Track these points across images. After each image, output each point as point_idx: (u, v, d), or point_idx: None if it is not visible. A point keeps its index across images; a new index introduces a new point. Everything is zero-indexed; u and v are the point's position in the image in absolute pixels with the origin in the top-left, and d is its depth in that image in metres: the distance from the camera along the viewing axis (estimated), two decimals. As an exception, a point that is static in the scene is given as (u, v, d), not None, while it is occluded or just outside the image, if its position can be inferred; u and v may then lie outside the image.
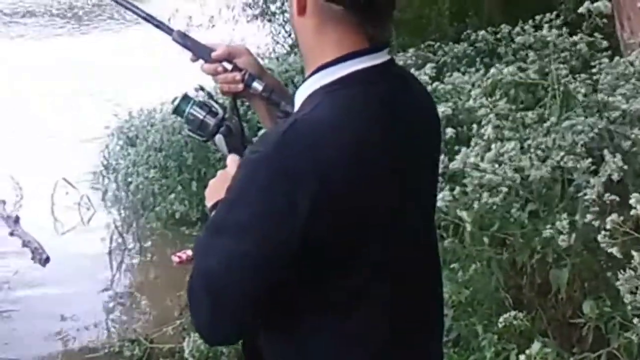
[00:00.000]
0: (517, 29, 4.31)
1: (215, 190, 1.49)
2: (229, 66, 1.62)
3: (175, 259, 5.28)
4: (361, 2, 1.32)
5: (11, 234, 5.75)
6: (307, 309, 1.37)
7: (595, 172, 2.87)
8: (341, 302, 1.36)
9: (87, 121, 8.19)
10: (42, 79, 9.78)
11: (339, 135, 1.29)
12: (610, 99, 3.21)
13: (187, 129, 1.72)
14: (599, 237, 2.53)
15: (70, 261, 5.40)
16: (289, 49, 8.16)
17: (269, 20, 8.78)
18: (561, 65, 3.48)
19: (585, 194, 2.74)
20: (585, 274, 2.94)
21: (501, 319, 2.82)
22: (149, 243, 5.89)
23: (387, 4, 1.37)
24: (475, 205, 2.97)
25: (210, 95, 1.70)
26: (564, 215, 2.77)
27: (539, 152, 3.03)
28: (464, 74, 4.40)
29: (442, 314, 1.61)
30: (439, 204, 2.93)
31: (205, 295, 1.32)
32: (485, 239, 3.05)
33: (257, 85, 1.61)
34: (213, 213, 1.44)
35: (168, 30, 1.68)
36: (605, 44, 3.84)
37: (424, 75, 4.14)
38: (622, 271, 2.48)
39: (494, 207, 2.96)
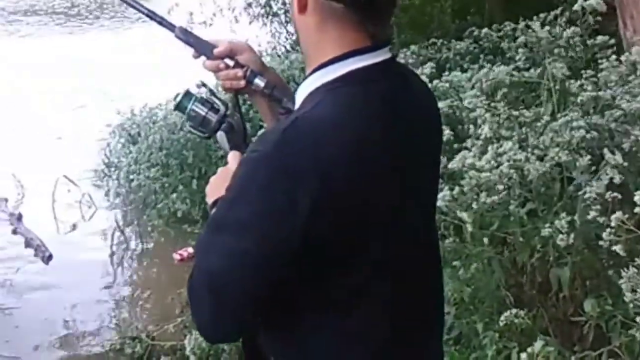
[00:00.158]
0: (521, 26, 4.31)
1: (216, 187, 1.49)
2: (231, 63, 1.62)
3: (176, 256, 5.33)
4: (362, 0, 1.32)
5: (14, 231, 5.77)
6: (308, 307, 1.37)
7: (595, 172, 2.87)
8: (342, 300, 1.36)
9: (87, 119, 8.20)
10: (42, 76, 9.78)
11: (340, 133, 1.29)
12: (611, 96, 3.21)
13: (188, 125, 1.72)
14: (604, 235, 2.53)
15: (72, 259, 5.42)
16: (290, 48, 8.17)
17: (271, 22, 8.79)
18: (557, 64, 3.48)
19: (585, 193, 2.74)
20: (586, 273, 2.94)
21: (502, 317, 2.82)
22: (151, 241, 5.89)
23: (388, 2, 1.37)
24: (474, 205, 2.97)
25: (212, 92, 1.70)
26: (563, 214, 2.77)
27: (536, 150, 3.03)
28: (466, 71, 4.40)
29: (442, 312, 1.61)
30: (439, 203, 2.93)
31: (206, 294, 1.32)
32: (485, 239, 3.05)
33: (259, 82, 1.61)
34: (214, 211, 1.44)
35: (170, 27, 1.68)
36: (600, 39, 3.83)
37: (421, 73, 4.14)
38: (625, 269, 2.48)
39: (493, 206, 2.96)
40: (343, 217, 1.28)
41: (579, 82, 3.47)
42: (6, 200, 6.39)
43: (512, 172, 2.93)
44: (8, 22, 15.26)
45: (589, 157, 2.89)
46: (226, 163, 1.60)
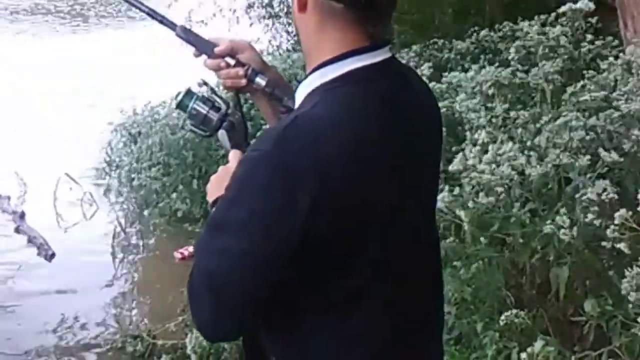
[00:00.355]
0: (520, 26, 4.31)
1: (217, 186, 1.49)
2: (232, 61, 1.63)
3: (177, 255, 5.34)
4: (361, 0, 1.32)
5: (17, 229, 5.78)
6: (308, 309, 1.38)
7: (594, 173, 2.88)
8: (342, 301, 1.36)
9: (88, 120, 8.21)
10: (43, 78, 9.77)
11: (339, 133, 1.29)
12: (605, 97, 3.21)
13: (189, 124, 1.72)
14: (608, 232, 2.53)
15: (73, 257, 5.42)
16: (291, 49, 8.18)
17: (273, 24, 8.80)
18: (548, 64, 3.48)
19: (584, 194, 2.74)
20: (586, 273, 2.94)
21: (503, 317, 2.82)
22: (152, 239, 5.89)
23: (388, 2, 1.37)
24: (471, 205, 2.97)
25: (213, 90, 1.70)
26: (564, 210, 2.77)
27: (532, 152, 3.03)
28: (466, 71, 4.40)
29: (442, 313, 1.61)
30: (439, 204, 2.93)
31: (206, 293, 1.32)
32: (483, 239, 3.05)
33: (260, 81, 1.62)
34: (213, 210, 1.44)
35: (171, 26, 1.68)
36: (589, 38, 3.82)
37: (421, 74, 4.15)
38: (629, 268, 2.48)
39: (492, 207, 2.96)
40: (342, 216, 1.28)
41: (580, 83, 3.47)
42: (8, 198, 6.40)
43: (513, 174, 2.92)
44: (11, 22, 15.29)
45: (588, 157, 2.89)
46: (227, 162, 1.60)
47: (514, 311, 2.83)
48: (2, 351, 4.23)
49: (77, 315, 4.67)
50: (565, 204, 2.89)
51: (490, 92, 3.67)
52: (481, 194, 2.95)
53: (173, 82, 6.55)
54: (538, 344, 2.67)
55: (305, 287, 1.34)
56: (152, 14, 1.70)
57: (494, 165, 2.95)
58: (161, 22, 1.69)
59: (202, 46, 1.65)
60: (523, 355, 2.67)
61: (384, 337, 1.40)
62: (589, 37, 3.99)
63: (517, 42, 3.88)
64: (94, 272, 5.29)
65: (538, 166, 2.90)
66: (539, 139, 3.10)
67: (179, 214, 5.86)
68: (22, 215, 6.00)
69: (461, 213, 3.02)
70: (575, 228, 2.69)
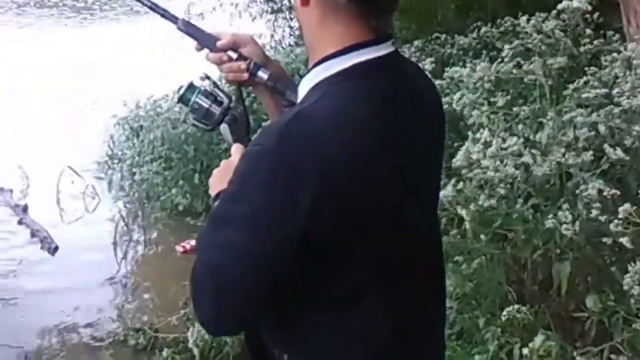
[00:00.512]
0: (520, 21, 4.30)
1: (219, 179, 1.49)
2: (234, 55, 1.62)
3: (179, 249, 5.30)
4: None
5: (20, 222, 5.79)
6: (309, 307, 1.37)
7: (597, 169, 2.87)
8: (343, 300, 1.36)
9: (87, 117, 8.21)
10: (43, 77, 9.77)
11: (341, 131, 1.28)
12: (606, 94, 3.20)
13: (191, 117, 1.71)
14: (612, 227, 2.52)
15: (75, 250, 5.43)
16: (293, 44, 8.17)
17: (275, 19, 8.79)
18: (550, 60, 3.47)
19: (585, 190, 2.74)
20: (588, 269, 2.94)
21: (505, 312, 2.82)
22: (154, 233, 5.90)
23: None
24: (473, 204, 2.97)
25: (215, 84, 1.70)
26: (566, 206, 2.76)
27: (533, 150, 3.02)
28: (470, 65, 4.38)
29: (444, 311, 1.61)
30: (441, 199, 2.93)
31: (207, 290, 1.32)
32: (483, 236, 3.05)
33: (262, 74, 1.61)
34: (215, 205, 1.43)
35: (173, 19, 1.68)
36: (588, 33, 3.81)
37: (423, 68, 4.13)
38: (632, 263, 2.48)
39: (494, 204, 2.96)
40: (343, 215, 1.28)
41: (583, 80, 3.46)
42: (11, 191, 6.41)
43: (517, 173, 2.92)
44: (19, 14, 15.33)
45: (591, 153, 2.88)
46: (229, 156, 1.59)
47: (516, 306, 2.83)
48: (6, 344, 4.24)
49: (79, 308, 4.68)
50: (568, 199, 2.89)
51: (487, 86, 3.65)
52: (482, 196, 2.94)
53: (173, 82, 6.58)
54: (538, 339, 2.68)
55: (306, 286, 1.34)
56: (154, 8, 1.69)
57: (498, 162, 2.93)
58: (163, 15, 1.68)
59: (204, 40, 1.65)
60: (525, 350, 2.68)
61: (385, 336, 1.40)
62: (590, 33, 3.97)
63: (517, 41, 3.87)
64: (96, 265, 5.29)
65: (543, 163, 2.89)
66: (540, 135, 3.09)
67: (181, 207, 5.87)
68: (25, 209, 6.01)
69: (462, 212, 3.01)
70: (577, 223, 2.68)
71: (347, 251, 1.32)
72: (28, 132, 7.83)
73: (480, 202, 2.93)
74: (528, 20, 3.75)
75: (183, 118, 6.21)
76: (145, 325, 4.27)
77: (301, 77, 1.41)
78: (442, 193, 2.93)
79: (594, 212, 2.65)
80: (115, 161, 7.07)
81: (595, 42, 3.91)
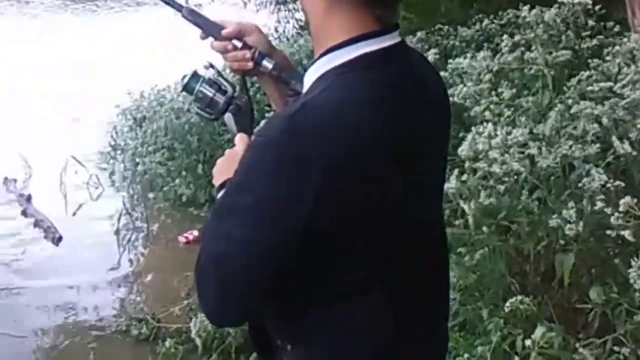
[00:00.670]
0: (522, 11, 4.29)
1: (224, 169, 1.48)
2: (239, 44, 1.61)
3: (182, 239, 5.37)
4: None
5: (24, 212, 5.80)
6: (312, 303, 1.38)
7: (603, 161, 2.86)
8: (345, 296, 1.36)
9: (88, 120, 8.22)
10: (43, 77, 9.76)
11: (345, 124, 1.27)
12: (609, 87, 3.19)
13: (195, 107, 1.70)
14: (612, 220, 2.52)
15: (78, 240, 5.44)
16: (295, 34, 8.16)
17: (278, 10, 8.78)
18: (552, 53, 3.46)
19: (589, 182, 2.73)
20: (591, 260, 2.93)
21: (507, 304, 2.82)
22: (157, 223, 5.91)
23: None
24: (476, 198, 2.96)
25: (219, 73, 1.69)
26: (572, 204, 2.75)
27: (538, 142, 3.01)
28: (471, 58, 4.37)
29: (447, 306, 1.60)
30: (445, 190, 2.92)
31: (212, 280, 1.32)
32: (485, 229, 3.04)
33: (267, 64, 1.60)
34: (220, 194, 1.43)
35: (178, 7, 1.67)
36: (591, 25, 3.80)
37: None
38: (635, 257, 2.47)
39: (498, 197, 2.95)
40: (345, 212, 1.27)
41: (587, 73, 3.44)
42: (14, 180, 6.42)
43: (522, 169, 2.91)
44: (22, 3, 15.36)
45: (597, 146, 2.88)
46: (233, 145, 1.58)
47: (519, 298, 2.82)
48: (8, 332, 4.26)
49: (82, 298, 4.69)
50: (572, 192, 2.88)
51: (488, 77, 3.64)
52: (486, 189, 2.93)
53: (172, 82, 6.59)
54: (538, 331, 2.67)
55: (308, 282, 1.34)
56: None
57: (504, 154, 2.92)
58: (167, 3, 1.68)
59: (209, 28, 1.63)
60: (527, 341, 2.68)
61: (387, 332, 1.40)
62: (592, 25, 3.95)
63: (518, 36, 3.85)
64: (99, 255, 5.31)
65: (549, 155, 2.88)
66: (543, 127, 3.08)
67: (184, 198, 5.87)
68: (29, 198, 6.02)
69: (465, 206, 3.01)
70: (581, 222, 2.67)
71: (349, 247, 1.32)
72: (28, 132, 7.84)
73: (484, 196, 2.93)
74: (531, 9, 3.74)
75: (187, 108, 6.20)
76: (147, 316, 4.28)
77: (305, 68, 1.40)
78: (445, 185, 2.92)
79: (598, 205, 2.65)
80: (118, 152, 7.07)
81: (598, 37, 3.90)
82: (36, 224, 5.61)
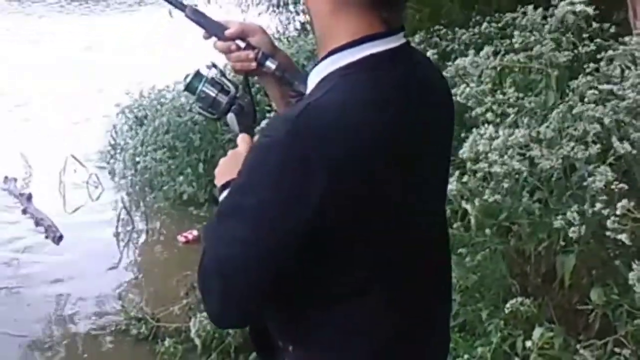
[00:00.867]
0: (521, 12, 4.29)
1: (226, 169, 1.48)
2: (242, 44, 1.60)
3: (181, 239, 5.37)
4: None
5: (24, 211, 5.79)
6: (311, 305, 1.38)
7: (603, 162, 2.86)
8: (344, 297, 1.36)
9: (88, 120, 8.20)
10: (43, 77, 9.76)
11: (348, 126, 1.26)
12: (611, 89, 3.19)
13: (198, 106, 1.70)
14: (608, 223, 2.52)
15: (78, 240, 5.43)
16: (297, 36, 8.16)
17: (280, 13, 8.78)
18: (556, 53, 3.45)
19: (591, 183, 2.73)
20: (592, 262, 2.93)
21: (508, 305, 2.82)
22: (157, 222, 5.90)
23: None
24: (478, 199, 2.96)
25: (222, 73, 1.68)
26: (575, 207, 2.75)
27: (538, 143, 3.01)
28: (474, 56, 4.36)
29: (448, 307, 1.60)
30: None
31: (214, 282, 1.32)
32: (487, 231, 3.04)
33: (270, 64, 1.59)
34: (223, 195, 1.43)
35: (181, 7, 1.66)
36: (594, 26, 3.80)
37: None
38: (636, 260, 2.47)
39: (499, 198, 2.95)
40: (346, 213, 1.27)
41: (588, 78, 3.44)
42: (15, 180, 6.41)
43: (523, 169, 2.90)
44: (25, 1, 15.38)
45: (598, 146, 2.87)
46: (235, 146, 1.58)
47: (519, 299, 2.82)
48: (8, 332, 4.26)
49: (82, 297, 4.69)
50: (573, 193, 2.88)
51: (490, 75, 3.64)
52: (487, 191, 2.93)
53: (172, 82, 6.59)
54: (538, 331, 2.67)
55: (308, 283, 1.34)
56: None
57: (505, 156, 2.91)
58: (171, 2, 1.67)
59: (212, 28, 1.63)
60: (528, 343, 2.68)
61: (387, 334, 1.40)
62: (594, 27, 3.95)
63: (518, 36, 3.85)
64: (99, 254, 5.30)
65: (550, 156, 2.87)
66: (544, 128, 3.08)
67: (184, 197, 5.87)
68: (29, 197, 6.01)
69: (467, 206, 3.00)
70: (584, 226, 2.67)
71: (349, 249, 1.32)
72: (28, 132, 7.84)
73: (485, 197, 2.92)
74: (535, 8, 3.74)
75: (188, 107, 6.19)
76: (147, 315, 4.28)
77: (307, 70, 1.40)
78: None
79: (598, 206, 2.64)
80: (118, 150, 7.07)
81: (598, 40, 3.89)
82: (37, 223, 5.60)
